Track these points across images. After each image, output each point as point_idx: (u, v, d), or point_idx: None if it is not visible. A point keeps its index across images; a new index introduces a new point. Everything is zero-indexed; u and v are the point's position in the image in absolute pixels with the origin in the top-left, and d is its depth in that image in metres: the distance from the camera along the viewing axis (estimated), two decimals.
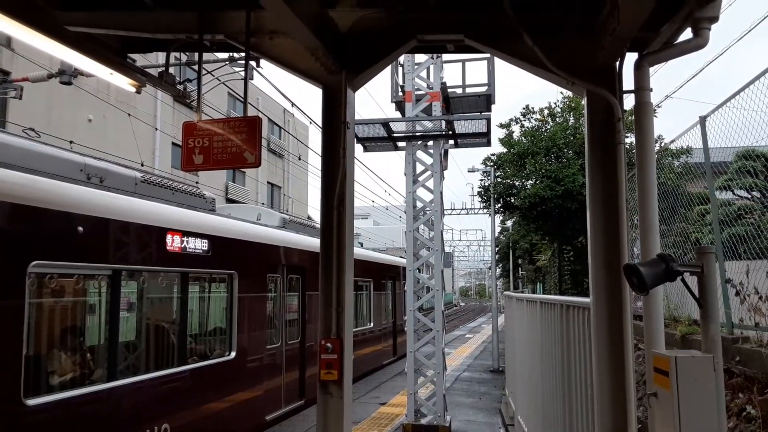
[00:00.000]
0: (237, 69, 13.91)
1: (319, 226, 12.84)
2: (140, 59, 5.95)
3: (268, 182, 33.61)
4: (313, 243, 11.12)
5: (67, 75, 9.71)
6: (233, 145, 4.62)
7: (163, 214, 7.01)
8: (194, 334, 8.11)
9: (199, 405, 7.37)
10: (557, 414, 5.23)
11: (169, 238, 6.88)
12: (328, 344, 3.94)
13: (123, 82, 4.44)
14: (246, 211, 10.83)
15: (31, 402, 5.05)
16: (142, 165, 12.24)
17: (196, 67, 10.34)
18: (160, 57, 14.90)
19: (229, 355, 8.11)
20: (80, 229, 5.62)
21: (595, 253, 3.66)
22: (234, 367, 8.16)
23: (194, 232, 7.34)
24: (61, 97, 17.53)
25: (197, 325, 8.31)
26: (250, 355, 8.58)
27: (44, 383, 5.57)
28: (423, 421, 8.54)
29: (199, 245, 7.39)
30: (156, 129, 20.96)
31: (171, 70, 5.29)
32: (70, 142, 11.05)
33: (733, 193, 6.64)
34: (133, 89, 4.56)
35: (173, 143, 23.50)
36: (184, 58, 10.43)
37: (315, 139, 44.61)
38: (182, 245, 7.08)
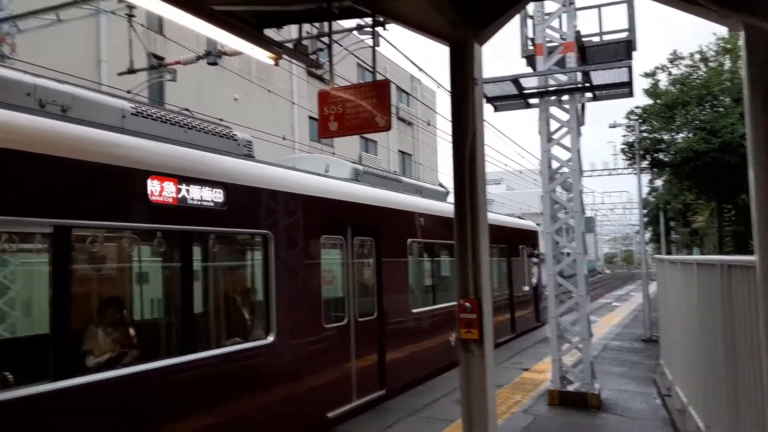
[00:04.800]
0: (362, 37, 14.08)
1: (405, 180, 11.31)
2: (274, 36, 6.22)
3: (399, 150, 34.08)
4: (394, 199, 9.41)
5: (213, 56, 10.48)
6: (364, 110, 4.70)
7: (147, 152, 5.22)
8: (207, 313, 6.18)
9: (216, 403, 5.62)
10: (720, 386, 4.80)
11: (152, 185, 5.08)
12: (467, 304, 3.94)
13: (262, 55, 4.68)
14: (313, 162, 9.16)
15: None
16: (284, 138, 12.91)
17: (325, 39, 10.64)
18: (292, 32, 15.53)
19: (266, 338, 6.30)
20: None
21: (761, 205, 3.23)
22: (273, 354, 6.33)
23: (197, 179, 5.52)
24: (209, 79, 18.98)
25: (213, 302, 6.36)
26: (297, 338, 6.75)
27: None
28: (570, 388, 8.29)
29: (207, 196, 5.62)
30: (293, 104, 22.02)
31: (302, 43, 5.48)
32: (220, 119, 11.95)
33: None
34: (272, 62, 4.79)
35: (309, 117, 24.58)
36: (314, 32, 10.74)
37: (442, 104, 43.98)
38: (177, 195, 5.31)
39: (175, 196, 5.26)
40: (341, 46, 10.65)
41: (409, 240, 9.66)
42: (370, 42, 6.78)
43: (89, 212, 4.60)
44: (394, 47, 10.45)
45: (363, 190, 8.74)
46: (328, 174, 8.53)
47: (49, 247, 4.29)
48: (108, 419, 4.56)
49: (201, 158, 5.77)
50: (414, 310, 9.65)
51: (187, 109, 9.44)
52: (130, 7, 10.29)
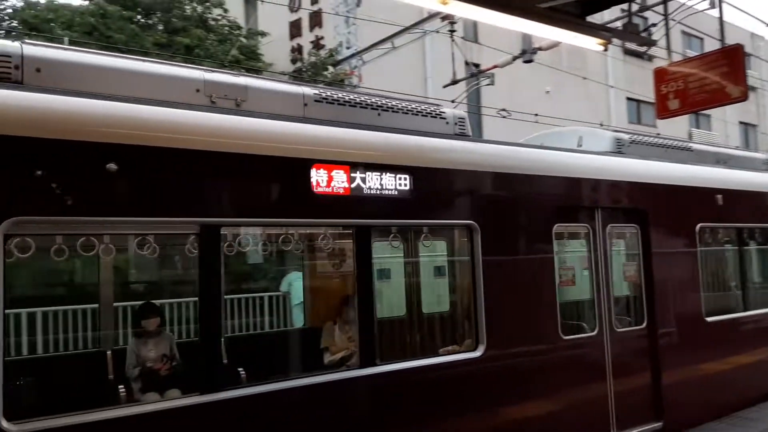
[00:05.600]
0: (692, 2, 12.65)
1: (698, 147, 8.17)
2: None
3: (740, 122, 29.27)
4: (673, 173, 7.24)
5: (528, 54, 10.73)
6: (711, 82, 4.27)
7: (305, 139, 4.63)
8: (394, 320, 5.93)
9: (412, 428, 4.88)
10: None
11: (317, 174, 4.50)
12: None
13: (590, 42, 4.64)
14: (565, 136, 7.64)
15: None
16: (601, 125, 12.47)
17: (645, 15, 9.81)
18: (605, 16, 14.84)
19: (474, 351, 5.21)
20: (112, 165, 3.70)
21: None
22: (484, 369, 5.22)
23: (373, 165, 4.78)
24: (520, 77, 19.42)
25: (401, 306, 6.12)
26: (518, 351, 5.56)
27: None
28: None
29: (387, 183, 4.84)
30: (609, 87, 20.97)
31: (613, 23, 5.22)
32: (535, 114, 12.16)
33: None
34: (601, 48, 4.71)
35: (627, 98, 23.07)
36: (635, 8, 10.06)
37: None
38: (349, 184, 4.63)
39: (346, 185, 4.59)
40: (667, 17, 9.77)
41: (699, 225, 7.32)
42: (700, 6, 6.07)
43: (236, 210, 4.23)
44: (733, 6, 9.07)
45: (620, 163, 6.84)
46: (580, 148, 7.02)
47: (199, 245, 4.03)
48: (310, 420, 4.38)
49: (378, 140, 4.97)
50: (710, 319, 7.23)
51: (504, 110, 9.88)
52: (452, 22, 11.28)
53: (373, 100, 5.22)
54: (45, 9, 13.04)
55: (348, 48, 14.09)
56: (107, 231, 3.82)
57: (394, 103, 5.34)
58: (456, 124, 5.67)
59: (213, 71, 4.73)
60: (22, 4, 13.40)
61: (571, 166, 6.22)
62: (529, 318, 5.60)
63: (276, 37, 16.71)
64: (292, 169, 4.37)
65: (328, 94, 4.98)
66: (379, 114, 5.17)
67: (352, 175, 4.58)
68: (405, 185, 4.87)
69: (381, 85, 11.09)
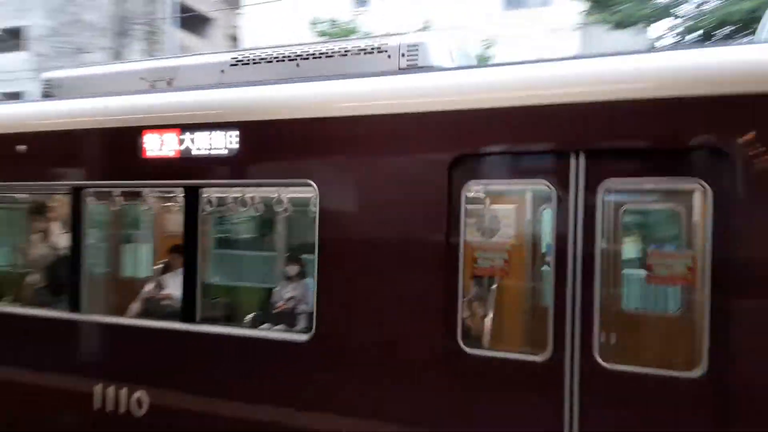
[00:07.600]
0: None
1: None
2: None
3: None
4: None
5: None
6: None
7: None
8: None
9: None
10: None
11: (148, 139, 4.73)
12: None
13: None
14: None
15: None
16: None
17: None
18: None
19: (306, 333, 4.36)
20: None
21: None
22: (308, 355, 4.24)
23: (200, 124, 4.57)
24: None
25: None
26: (358, 338, 4.16)
27: None
28: None
29: (216, 143, 4.51)
30: None
31: None
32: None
33: None
34: None
35: None
36: None
37: None
38: (178, 146, 4.62)
39: (177, 148, 4.61)
40: None
41: None
42: None
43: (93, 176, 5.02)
44: None
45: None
46: None
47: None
48: None
49: (208, 99, 4.73)
50: None
51: None
52: None
53: (291, 51, 4.78)
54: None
55: None
56: None
57: (316, 48, 4.74)
58: (403, 55, 4.45)
59: (151, 60, 5.75)
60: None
61: (518, 83, 3.95)
62: (393, 306, 3.98)
63: None
64: (125, 137, 4.85)
65: (244, 56, 4.94)
66: (297, 65, 4.71)
67: (181, 137, 4.61)
68: (234, 143, 4.47)
69: None
